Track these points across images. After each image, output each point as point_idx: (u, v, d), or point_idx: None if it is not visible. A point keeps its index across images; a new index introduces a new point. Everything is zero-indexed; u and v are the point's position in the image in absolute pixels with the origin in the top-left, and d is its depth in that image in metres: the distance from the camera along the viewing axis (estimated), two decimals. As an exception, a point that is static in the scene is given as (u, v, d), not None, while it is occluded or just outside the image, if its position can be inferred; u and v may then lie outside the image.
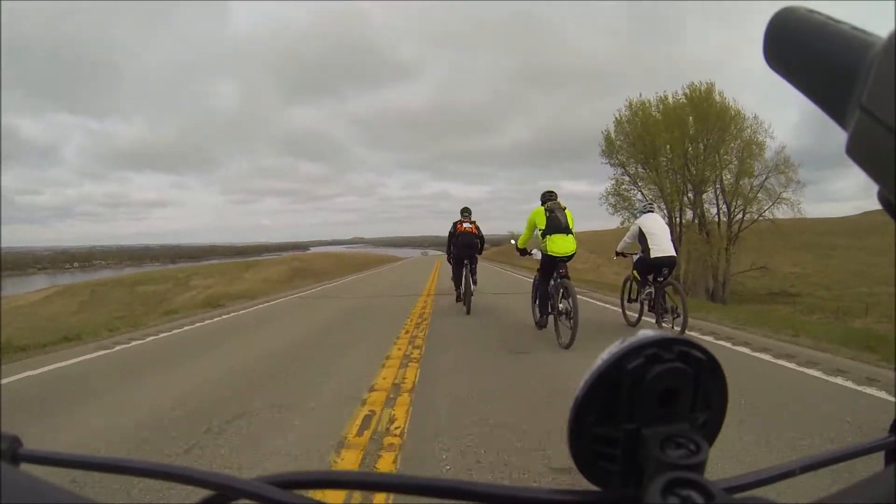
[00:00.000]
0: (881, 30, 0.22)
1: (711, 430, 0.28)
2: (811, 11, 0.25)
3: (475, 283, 6.86)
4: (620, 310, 5.66)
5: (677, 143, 19.62)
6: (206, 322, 6.62)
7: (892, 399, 2.74)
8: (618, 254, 5.51)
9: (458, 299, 7.41)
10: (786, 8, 0.25)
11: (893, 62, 0.20)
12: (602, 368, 0.25)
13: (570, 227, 4.76)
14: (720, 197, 20.14)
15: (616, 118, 20.95)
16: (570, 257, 4.69)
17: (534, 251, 5.15)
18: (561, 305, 4.48)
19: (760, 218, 19.19)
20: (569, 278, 4.59)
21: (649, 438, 0.25)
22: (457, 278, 7.24)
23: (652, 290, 4.95)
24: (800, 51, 0.24)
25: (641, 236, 4.94)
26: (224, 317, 7.13)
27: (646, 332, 0.26)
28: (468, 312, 6.48)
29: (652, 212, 5.21)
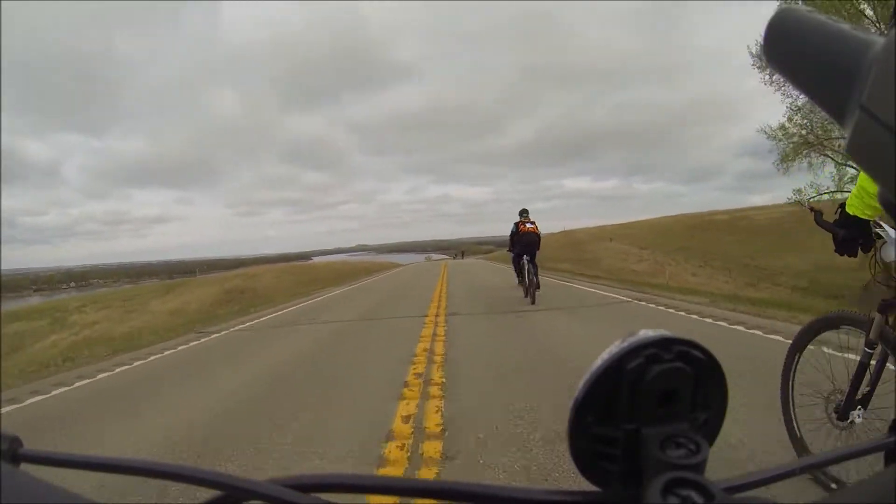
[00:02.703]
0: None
1: (711, 430, 0.28)
2: (811, 11, 0.25)
3: (538, 277, 7.69)
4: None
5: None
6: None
7: None
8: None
9: (518, 277, 8.59)
10: (785, 8, 0.25)
11: (893, 62, 0.20)
12: (602, 368, 0.25)
13: None
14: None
15: None
16: None
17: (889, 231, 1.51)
18: None
19: None
20: None
21: (649, 438, 0.25)
22: (517, 269, 8.52)
23: None
24: (799, 50, 0.24)
25: None
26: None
27: (645, 332, 0.26)
28: (533, 302, 7.22)
29: None
